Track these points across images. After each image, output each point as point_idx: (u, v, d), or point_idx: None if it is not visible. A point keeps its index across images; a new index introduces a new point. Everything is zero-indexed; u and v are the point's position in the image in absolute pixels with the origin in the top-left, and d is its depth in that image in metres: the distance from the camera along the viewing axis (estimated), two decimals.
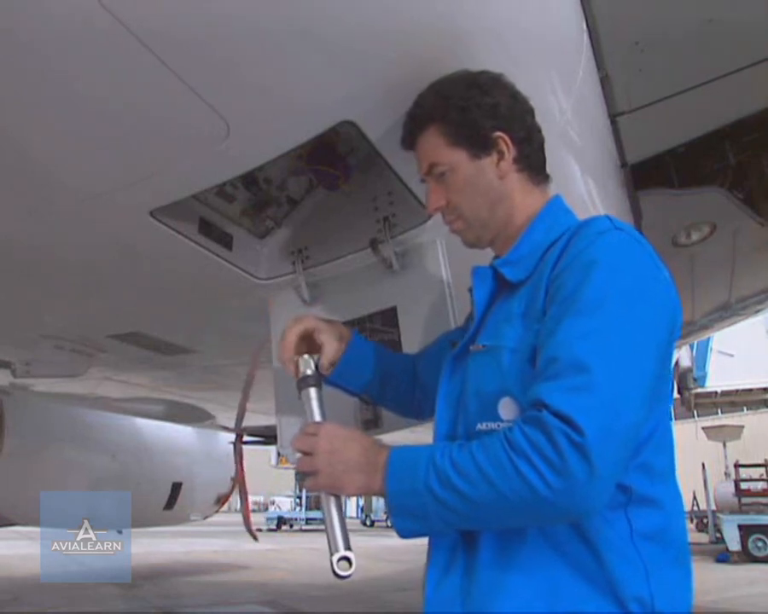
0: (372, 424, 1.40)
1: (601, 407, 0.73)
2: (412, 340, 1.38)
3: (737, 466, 12.49)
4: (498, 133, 0.97)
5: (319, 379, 1.06)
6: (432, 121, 1.00)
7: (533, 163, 1.01)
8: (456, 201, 1.00)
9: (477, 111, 0.97)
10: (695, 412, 15.46)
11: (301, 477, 0.92)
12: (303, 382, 1.04)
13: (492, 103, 0.97)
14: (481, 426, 0.87)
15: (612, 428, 0.73)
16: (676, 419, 16.11)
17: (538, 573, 0.80)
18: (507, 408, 0.85)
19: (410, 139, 1.05)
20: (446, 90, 1.00)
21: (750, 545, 10.41)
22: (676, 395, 10.84)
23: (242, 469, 5.79)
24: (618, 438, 0.74)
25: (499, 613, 0.80)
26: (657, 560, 0.81)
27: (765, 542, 10.38)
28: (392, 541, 14.58)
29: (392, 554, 11.36)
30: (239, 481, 5.91)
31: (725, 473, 13.55)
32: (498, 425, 0.84)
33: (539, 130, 1.03)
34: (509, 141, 0.97)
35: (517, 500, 0.74)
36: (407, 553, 9.72)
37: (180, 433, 5.74)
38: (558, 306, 0.82)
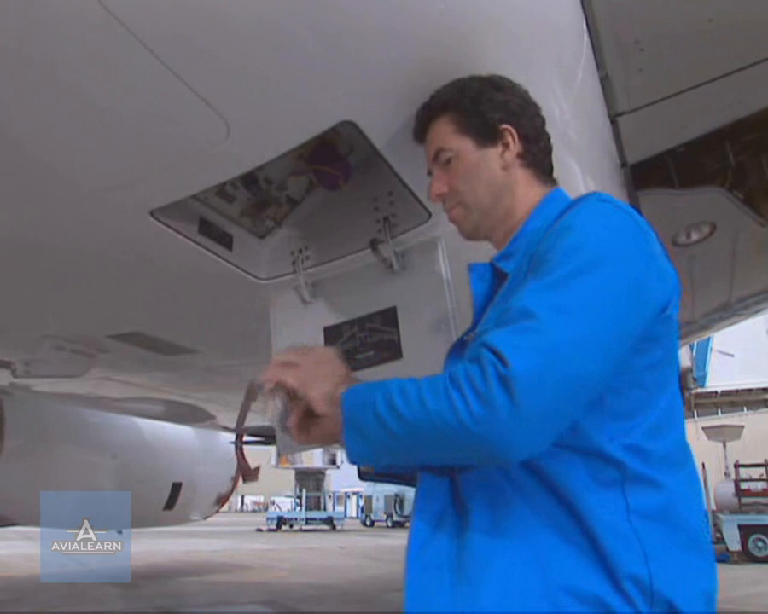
0: None
1: (536, 348, 0.74)
2: (412, 340, 1.38)
3: (737, 466, 12.48)
4: (506, 125, 1.00)
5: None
6: (444, 110, 1.04)
7: (539, 162, 1.03)
8: (459, 188, 1.02)
9: (488, 103, 1.01)
10: (695, 412, 15.44)
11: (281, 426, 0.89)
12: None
13: (504, 99, 1.02)
14: None
15: (545, 371, 0.73)
16: None
17: (528, 542, 0.80)
18: None
19: (421, 128, 1.09)
20: (462, 84, 1.05)
21: (750, 545, 10.41)
22: None
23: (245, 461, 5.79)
24: (552, 383, 0.74)
25: (487, 587, 0.79)
26: (659, 541, 0.79)
27: (765, 542, 10.38)
28: (392, 541, 14.58)
29: (391, 554, 11.36)
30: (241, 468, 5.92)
31: (725, 473, 13.55)
32: None
33: (548, 138, 1.06)
34: (515, 135, 1.00)
35: (442, 423, 0.75)
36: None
37: (180, 433, 5.74)
38: (531, 273, 0.84)
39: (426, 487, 0.92)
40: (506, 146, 1.00)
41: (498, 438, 0.74)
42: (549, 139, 1.06)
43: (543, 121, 1.05)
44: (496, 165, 1.00)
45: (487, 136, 1.01)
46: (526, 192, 1.01)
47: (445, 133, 1.03)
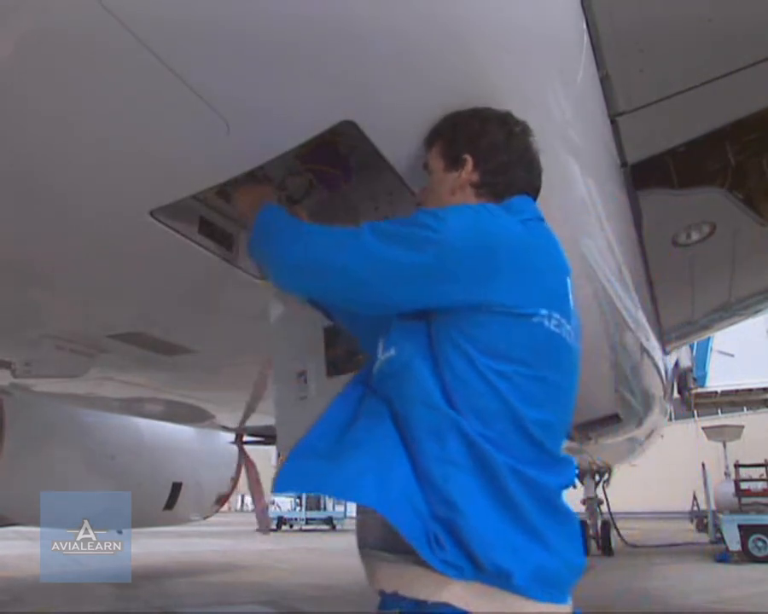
0: None
1: (325, 239, 1.12)
2: None
3: (737, 466, 12.45)
4: (466, 155, 1.12)
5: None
6: (438, 136, 1.19)
7: (498, 192, 1.12)
8: (423, 199, 1.22)
9: (463, 132, 1.13)
10: (695, 412, 15.43)
11: None
12: None
13: (479, 132, 1.13)
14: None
15: (312, 246, 1.11)
16: (676, 419, 16.07)
17: (386, 448, 0.99)
18: (380, 347, 1.12)
19: (428, 146, 1.22)
20: (457, 114, 1.17)
21: (750, 545, 10.37)
22: (676, 395, 10.82)
23: (252, 466, 5.81)
24: (300, 262, 1.13)
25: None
26: (468, 492, 0.93)
27: (765, 542, 10.36)
28: None
29: None
30: (250, 477, 5.94)
31: (725, 473, 13.51)
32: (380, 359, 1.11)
33: (526, 178, 1.14)
34: (470, 165, 1.12)
35: (272, 246, 1.20)
36: None
37: (180, 433, 5.73)
38: None
39: (339, 401, 1.14)
40: (461, 172, 1.12)
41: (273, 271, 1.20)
42: (525, 178, 1.14)
43: (522, 164, 1.14)
44: (447, 188, 1.14)
45: (451, 161, 1.14)
46: None
47: (433, 151, 1.19)
